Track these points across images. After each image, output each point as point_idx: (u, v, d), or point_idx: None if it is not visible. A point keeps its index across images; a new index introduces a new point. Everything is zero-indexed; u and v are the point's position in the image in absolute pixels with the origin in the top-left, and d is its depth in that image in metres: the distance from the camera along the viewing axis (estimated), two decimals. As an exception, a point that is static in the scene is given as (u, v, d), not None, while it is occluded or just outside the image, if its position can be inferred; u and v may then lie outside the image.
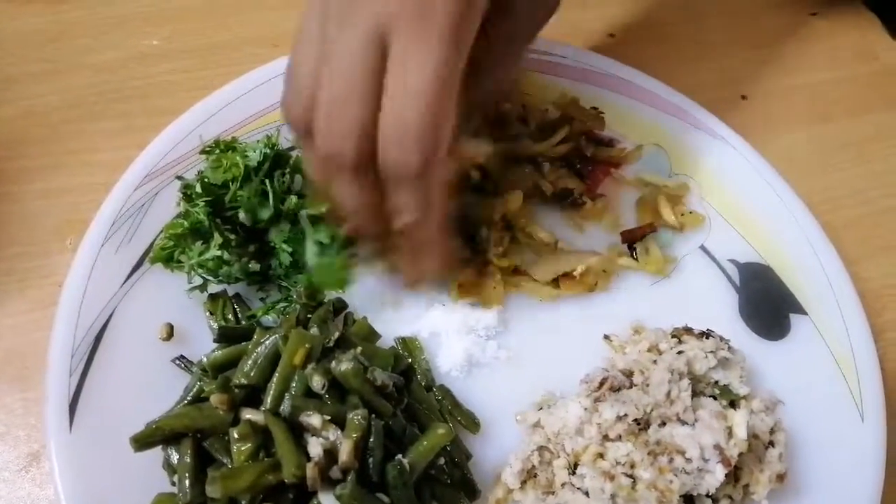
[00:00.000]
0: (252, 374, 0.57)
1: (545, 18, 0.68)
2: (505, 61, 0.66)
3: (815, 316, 0.71)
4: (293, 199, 0.67)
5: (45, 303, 0.69)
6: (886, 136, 0.89)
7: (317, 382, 0.56)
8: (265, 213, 0.66)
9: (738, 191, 0.76)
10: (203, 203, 0.64)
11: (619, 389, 0.63)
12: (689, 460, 0.59)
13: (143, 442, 0.55)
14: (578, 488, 0.60)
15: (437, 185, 0.54)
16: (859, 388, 0.67)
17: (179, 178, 0.69)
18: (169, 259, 0.66)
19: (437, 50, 0.49)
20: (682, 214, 0.75)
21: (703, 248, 0.75)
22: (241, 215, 0.65)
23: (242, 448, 0.54)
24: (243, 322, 0.65)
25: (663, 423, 0.62)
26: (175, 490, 0.55)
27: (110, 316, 0.64)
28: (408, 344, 0.66)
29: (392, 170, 0.52)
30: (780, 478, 0.61)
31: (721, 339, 0.67)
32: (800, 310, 0.71)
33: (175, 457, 0.56)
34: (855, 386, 0.67)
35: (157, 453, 0.57)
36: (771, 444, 0.62)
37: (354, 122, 0.51)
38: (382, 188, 0.54)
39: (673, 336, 0.68)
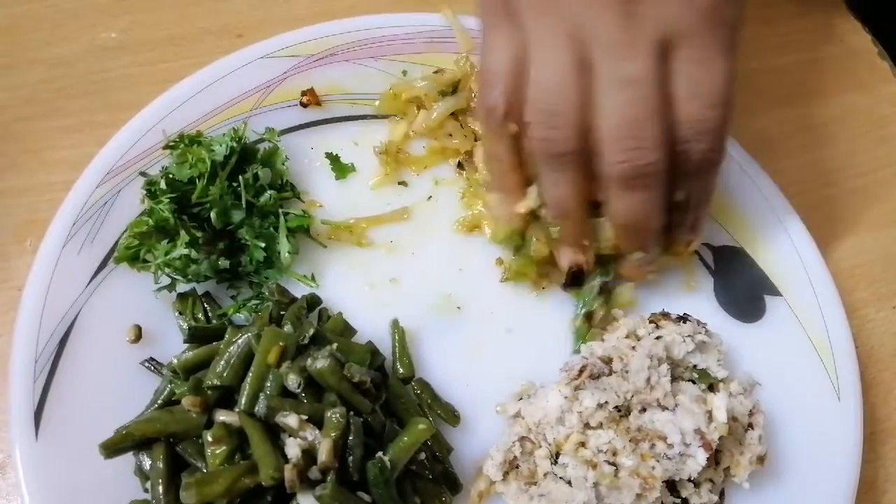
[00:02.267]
0: (225, 374, 0.56)
1: None
2: None
3: (790, 297, 0.71)
4: (268, 194, 0.65)
5: (4, 308, 0.66)
6: (852, 117, 0.90)
7: (292, 381, 0.55)
8: (237, 216, 0.64)
9: (711, 174, 0.77)
10: (168, 200, 0.63)
11: (598, 377, 0.63)
12: (670, 446, 0.59)
13: (113, 448, 0.53)
14: (561, 478, 0.59)
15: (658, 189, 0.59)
16: (835, 367, 0.67)
17: (143, 174, 0.67)
18: (134, 258, 0.64)
19: (727, 57, 0.57)
20: None
21: (677, 232, 0.75)
22: (213, 216, 0.63)
23: (217, 451, 0.52)
24: (214, 321, 0.64)
25: (644, 409, 0.62)
26: (148, 497, 0.54)
27: (74, 319, 0.62)
28: (398, 329, 0.65)
29: (695, 164, 0.58)
30: (761, 459, 0.61)
31: (698, 322, 0.67)
32: (774, 291, 0.72)
33: (147, 463, 0.54)
34: (830, 365, 0.68)
35: (128, 460, 0.55)
36: (750, 426, 0.63)
37: (574, 107, 0.55)
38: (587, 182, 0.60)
39: (650, 322, 0.68)
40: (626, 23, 0.53)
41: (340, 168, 0.73)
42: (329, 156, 0.73)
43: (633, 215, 0.61)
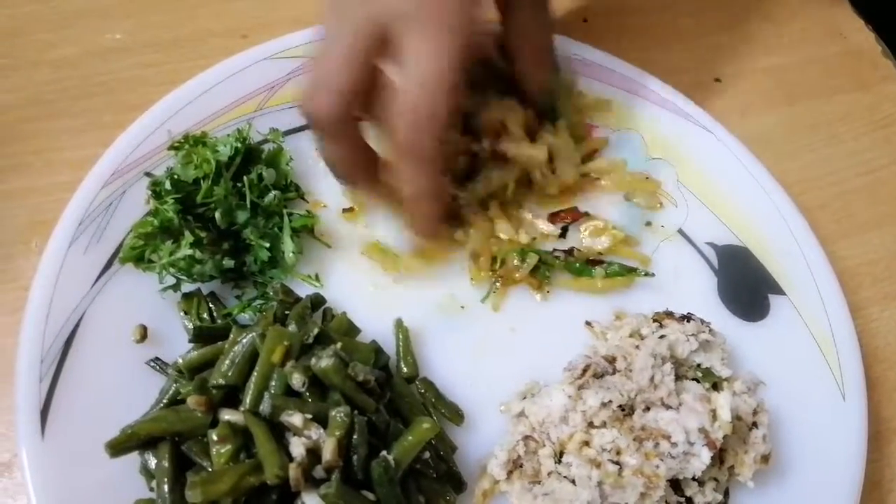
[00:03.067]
0: (230, 373, 0.56)
1: None
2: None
3: (794, 296, 0.71)
4: (272, 194, 0.66)
5: (10, 308, 0.66)
6: (856, 115, 0.90)
7: (297, 380, 0.55)
8: (242, 216, 0.65)
9: (715, 174, 0.77)
10: (173, 200, 0.63)
11: (602, 376, 0.63)
12: (674, 444, 0.59)
13: (118, 448, 0.54)
14: (565, 477, 0.59)
15: (436, 162, 0.61)
16: (839, 365, 0.67)
17: (148, 174, 0.67)
18: (140, 259, 0.64)
19: (442, 40, 0.56)
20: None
21: (681, 231, 0.75)
22: (217, 216, 0.63)
23: (222, 450, 0.52)
24: (219, 321, 0.64)
25: (647, 408, 0.61)
26: (154, 496, 0.54)
27: (80, 319, 0.62)
28: (402, 328, 0.65)
29: (403, 149, 0.59)
30: (765, 458, 0.61)
31: (702, 321, 0.67)
32: (778, 290, 0.72)
33: (153, 462, 0.54)
34: (835, 364, 0.67)
35: (133, 459, 0.55)
36: (754, 425, 0.63)
37: (341, 86, 0.58)
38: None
39: (654, 321, 0.68)
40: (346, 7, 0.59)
41: None
42: None
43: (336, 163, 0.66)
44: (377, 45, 0.57)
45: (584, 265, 0.71)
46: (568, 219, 0.74)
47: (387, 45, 0.57)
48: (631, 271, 0.71)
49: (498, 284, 0.70)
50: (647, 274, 0.71)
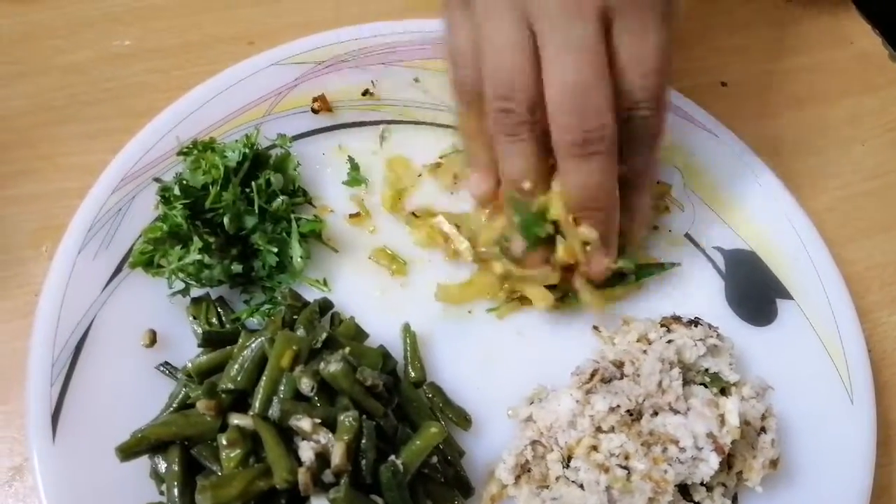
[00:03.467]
0: (239, 378, 0.56)
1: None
2: None
3: (802, 300, 0.71)
4: (280, 199, 0.66)
5: (21, 312, 0.67)
6: (863, 119, 0.90)
7: (305, 385, 0.55)
8: (250, 222, 0.65)
9: (721, 178, 0.77)
10: (181, 206, 0.63)
11: (610, 380, 0.63)
12: (682, 449, 0.59)
13: (129, 452, 0.54)
14: (573, 482, 0.59)
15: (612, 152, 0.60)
16: (847, 370, 0.67)
17: (157, 180, 0.67)
18: (149, 263, 0.64)
19: (661, 28, 0.57)
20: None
21: (688, 236, 0.75)
22: (226, 221, 0.63)
23: (232, 454, 0.53)
24: (228, 326, 0.64)
25: (655, 413, 0.61)
26: (164, 500, 0.54)
27: (90, 324, 0.62)
28: (410, 333, 0.66)
29: (637, 134, 0.60)
30: (774, 463, 0.61)
31: (709, 326, 0.67)
32: (786, 295, 0.72)
33: (163, 466, 0.55)
34: (843, 368, 0.67)
35: (143, 463, 0.56)
36: (763, 429, 0.63)
37: (528, 78, 0.57)
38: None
39: (662, 325, 0.68)
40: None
41: (355, 177, 0.73)
42: (350, 160, 0.74)
43: (587, 185, 0.60)
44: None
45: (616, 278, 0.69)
46: None
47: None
48: (659, 266, 0.71)
49: (515, 298, 0.69)
50: (674, 265, 0.72)
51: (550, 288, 0.67)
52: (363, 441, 0.54)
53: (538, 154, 0.61)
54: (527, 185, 0.62)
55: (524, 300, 0.69)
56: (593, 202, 0.61)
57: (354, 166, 0.74)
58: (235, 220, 0.65)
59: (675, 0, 0.60)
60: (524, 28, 0.57)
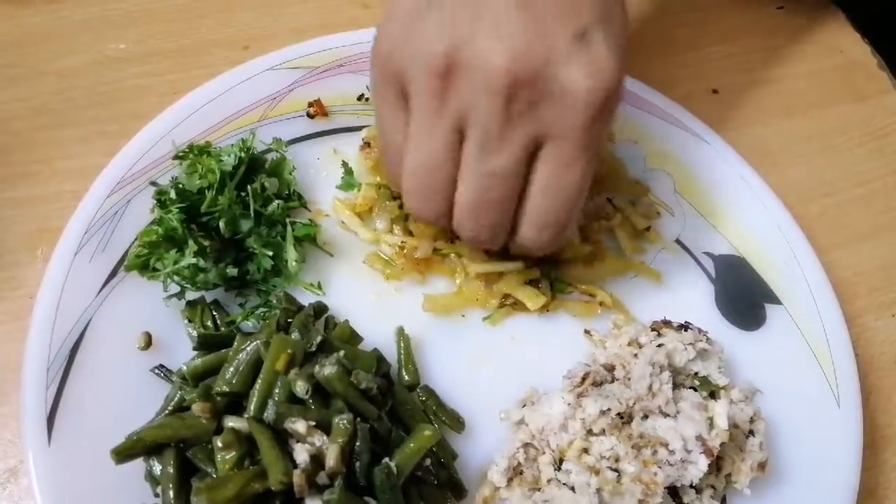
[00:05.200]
0: (234, 381, 0.57)
1: None
2: None
3: (790, 305, 0.72)
4: (276, 204, 0.66)
5: (16, 315, 0.67)
6: (852, 127, 0.91)
7: (300, 388, 0.55)
8: (245, 225, 0.65)
9: (712, 184, 0.78)
10: (177, 209, 0.64)
11: (601, 384, 0.64)
12: (672, 452, 0.60)
13: (124, 454, 0.54)
14: (564, 484, 0.60)
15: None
16: (835, 374, 0.68)
17: (153, 183, 0.68)
18: (144, 267, 0.65)
19: (584, 154, 0.56)
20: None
21: (678, 241, 0.76)
22: (221, 225, 0.64)
23: (227, 457, 0.53)
24: (223, 329, 0.65)
25: (646, 416, 0.62)
26: (159, 502, 0.55)
27: (86, 326, 0.62)
28: (404, 336, 0.66)
29: (524, 247, 0.62)
30: (762, 466, 0.62)
31: (699, 330, 0.68)
32: (774, 300, 0.72)
33: (158, 468, 0.55)
34: (830, 372, 0.68)
35: (139, 465, 0.56)
36: (751, 433, 0.63)
37: (440, 192, 0.59)
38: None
39: (652, 329, 0.68)
40: (505, 118, 0.54)
41: (349, 182, 0.74)
42: (345, 165, 0.74)
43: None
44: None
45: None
46: None
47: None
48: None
49: (509, 304, 0.70)
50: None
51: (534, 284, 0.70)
52: (357, 443, 0.54)
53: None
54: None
55: (517, 305, 0.70)
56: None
57: (348, 171, 0.74)
58: (231, 224, 0.65)
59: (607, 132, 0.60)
60: (453, 135, 0.56)
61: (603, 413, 0.61)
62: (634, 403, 0.62)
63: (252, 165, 0.69)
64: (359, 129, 0.77)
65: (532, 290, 0.70)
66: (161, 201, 0.65)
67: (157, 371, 0.62)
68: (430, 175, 0.58)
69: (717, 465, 0.62)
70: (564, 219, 0.59)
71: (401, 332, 0.67)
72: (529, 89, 0.53)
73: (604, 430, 0.61)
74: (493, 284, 0.70)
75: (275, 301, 0.66)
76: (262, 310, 0.66)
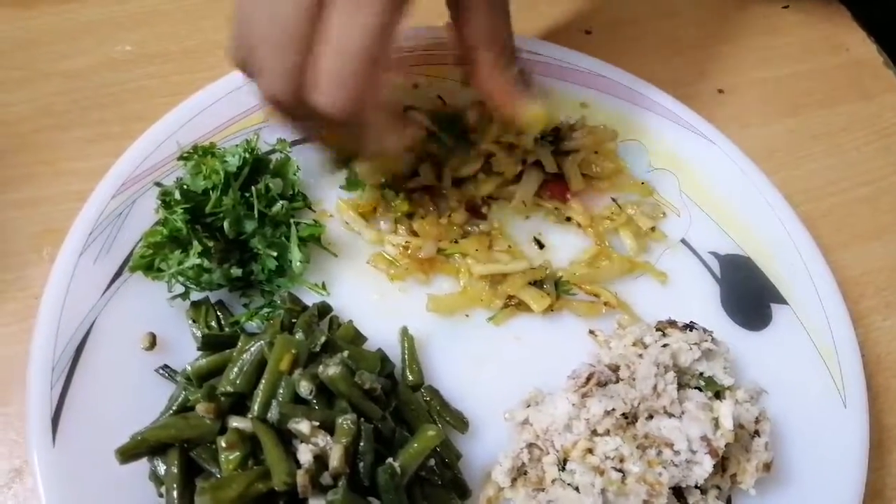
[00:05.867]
0: (238, 381, 0.57)
1: None
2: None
3: (796, 305, 0.71)
4: (280, 204, 0.66)
5: (22, 315, 0.67)
6: (858, 126, 0.90)
7: (304, 388, 0.55)
8: (249, 226, 0.65)
9: (717, 183, 0.77)
10: (181, 210, 0.64)
11: (605, 384, 0.63)
12: (677, 452, 0.59)
13: (128, 454, 0.54)
14: (569, 484, 0.60)
15: (373, 125, 0.60)
16: (841, 374, 0.68)
17: (158, 184, 0.68)
18: (149, 267, 0.65)
19: (368, 5, 0.52)
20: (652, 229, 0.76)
21: (683, 241, 0.75)
22: (225, 226, 0.64)
23: (231, 457, 0.53)
24: (227, 329, 0.65)
25: (650, 417, 0.62)
26: (163, 502, 0.55)
27: (91, 327, 0.63)
28: (408, 336, 0.66)
29: (322, 112, 0.55)
30: (767, 466, 0.62)
31: (704, 330, 0.68)
32: (780, 300, 0.72)
33: (162, 468, 0.55)
34: (837, 373, 0.68)
35: (143, 465, 0.56)
36: (756, 433, 0.63)
37: (287, 67, 0.54)
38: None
39: (657, 329, 0.68)
40: None
41: (353, 182, 0.74)
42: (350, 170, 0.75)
43: (295, 128, 0.64)
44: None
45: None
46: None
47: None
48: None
49: (513, 305, 0.70)
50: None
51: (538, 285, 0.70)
52: (361, 444, 0.54)
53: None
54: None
55: (521, 305, 0.70)
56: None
57: (352, 171, 0.74)
58: (235, 225, 0.65)
59: None
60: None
61: (607, 413, 0.61)
62: (639, 404, 0.62)
63: (256, 166, 0.69)
64: (363, 129, 0.77)
65: (537, 291, 0.69)
66: (166, 202, 0.65)
67: (161, 371, 0.62)
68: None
69: (722, 465, 0.62)
70: (339, 80, 0.54)
71: (405, 333, 0.66)
72: None
73: (608, 431, 0.61)
74: (498, 285, 0.70)
75: (279, 301, 0.66)
76: (266, 310, 0.66)
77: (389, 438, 0.57)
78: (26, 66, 0.82)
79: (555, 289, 0.71)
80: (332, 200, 0.74)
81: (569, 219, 0.75)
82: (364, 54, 0.53)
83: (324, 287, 0.69)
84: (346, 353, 0.58)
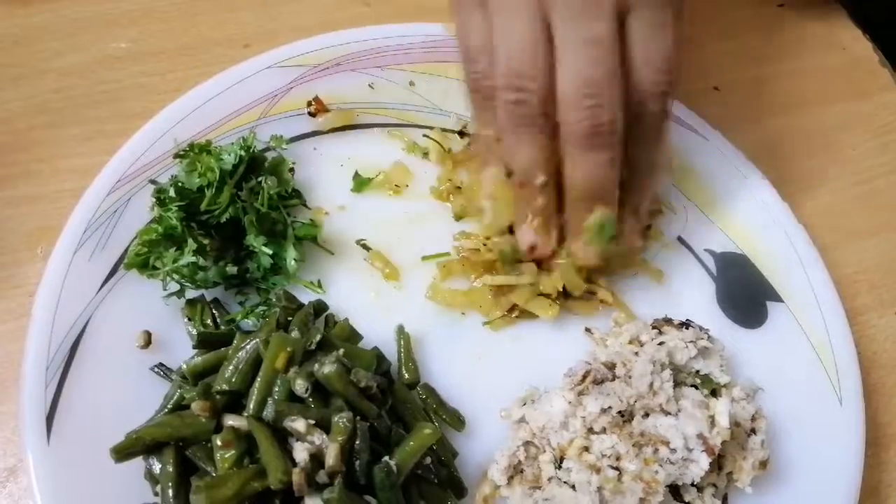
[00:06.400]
0: (233, 379, 0.57)
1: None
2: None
3: (792, 303, 0.72)
4: (275, 202, 0.66)
5: (16, 313, 0.67)
6: (854, 124, 0.90)
7: (300, 386, 0.55)
8: (245, 224, 0.65)
9: (713, 182, 0.77)
10: (176, 208, 0.63)
11: (602, 382, 0.63)
12: (673, 450, 0.59)
13: (123, 453, 0.54)
14: (565, 482, 0.60)
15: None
16: (836, 372, 0.68)
17: (153, 182, 0.68)
18: (144, 265, 0.65)
19: (676, 24, 0.57)
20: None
21: (680, 239, 0.75)
22: (221, 223, 0.64)
23: (226, 455, 0.53)
24: (222, 327, 0.65)
25: (647, 415, 0.62)
26: (158, 501, 0.55)
27: (86, 325, 0.62)
28: (404, 334, 0.66)
29: (645, 129, 0.61)
30: (763, 464, 0.62)
31: (700, 328, 0.68)
32: (776, 297, 0.72)
33: (157, 467, 0.55)
34: (832, 370, 0.68)
35: (138, 464, 0.56)
36: (753, 431, 0.63)
37: (540, 70, 0.57)
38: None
39: (653, 327, 0.68)
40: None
41: (360, 181, 0.74)
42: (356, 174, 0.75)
43: (592, 177, 0.61)
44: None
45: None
46: None
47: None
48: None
49: (514, 316, 0.70)
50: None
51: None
52: (357, 442, 0.54)
53: (548, 147, 0.61)
54: (539, 179, 0.62)
55: (524, 314, 0.69)
56: (596, 193, 0.62)
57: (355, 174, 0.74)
58: (230, 223, 0.65)
59: None
60: (538, 21, 0.57)
61: (604, 411, 0.61)
62: (635, 401, 0.62)
63: (252, 164, 0.69)
64: (359, 126, 0.76)
65: (545, 300, 0.69)
66: (161, 200, 0.65)
67: (156, 369, 0.62)
68: (525, 55, 0.57)
69: (718, 463, 0.62)
70: (674, 68, 0.59)
71: (401, 331, 0.66)
72: None
73: (604, 429, 0.61)
74: (503, 296, 0.69)
75: (274, 299, 0.65)
76: (261, 308, 0.66)
77: (385, 436, 0.57)
78: (21, 63, 0.82)
79: (563, 295, 0.70)
80: (328, 198, 0.73)
81: None
82: (678, 57, 0.59)
83: (319, 285, 0.69)
84: (341, 352, 0.58)
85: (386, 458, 0.55)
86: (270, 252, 0.66)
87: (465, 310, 0.70)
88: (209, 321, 0.65)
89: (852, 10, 0.99)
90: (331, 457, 0.52)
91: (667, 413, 0.62)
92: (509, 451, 0.62)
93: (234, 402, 0.57)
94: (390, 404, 0.60)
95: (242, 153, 0.67)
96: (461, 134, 0.77)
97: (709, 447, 0.59)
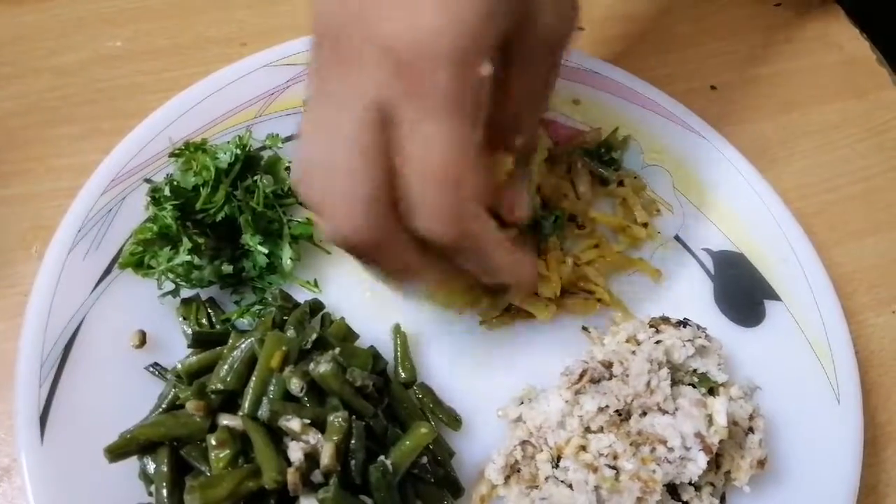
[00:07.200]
0: (228, 378, 0.56)
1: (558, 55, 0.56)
2: (531, 109, 0.58)
3: (789, 301, 0.71)
4: (271, 201, 0.66)
5: (10, 313, 0.67)
6: (851, 123, 0.90)
7: (295, 385, 0.55)
8: (241, 223, 0.65)
9: (711, 180, 0.77)
10: (171, 207, 0.63)
11: (599, 381, 0.63)
12: (670, 449, 0.59)
13: (117, 452, 0.54)
14: (562, 481, 0.60)
15: (487, 239, 0.51)
16: (834, 370, 0.68)
17: (148, 181, 0.67)
18: (139, 264, 0.64)
19: (444, 123, 0.46)
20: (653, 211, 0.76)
21: (677, 237, 0.75)
22: (216, 223, 0.64)
23: (221, 455, 0.53)
24: (218, 326, 0.64)
25: (644, 413, 0.62)
26: (153, 500, 0.54)
27: (80, 324, 0.62)
28: (400, 334, 0.66)
29: (437, 242, 0.49)
30: (761, 463, 0.62)
31: (698, 327, 0.68)
32: (774, 296, 0.72)
33: (151, 466, 0.55)
34: (830, 369, 0.68)
35: (132, 464, 0.56)
36: (750, 430, 0.63)
37: (364, 203, 0.47)
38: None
39: (651, 326, 0.68)
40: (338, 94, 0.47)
41: None
42: None
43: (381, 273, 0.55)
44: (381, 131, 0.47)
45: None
46: None
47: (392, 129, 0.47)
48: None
49: (510, 315, 0.70)
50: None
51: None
52: (353, 441, 0.54)
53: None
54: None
55: (521, 313, 0.69)
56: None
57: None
58: (226, 222, 0.65)
59: (470, 80, 0.46)
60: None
61: (601, 410, 0.61)
62: (633, 400, 0.61)
63: (248, 163, 0.68)
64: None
65: (541, 301, 0.69)
66: (155, 199, 0.65)
67: (151, 369, 0.62)
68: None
69: (716, 462, 0.61)
70: (444, 209, 0.47)
71: (397, 330, 0.66)
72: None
73: (602, 428, 0.60)
74: (499, 296, 0.69)
75: (270, 298, 0.65)
76: (257, 307, 0.66)
77: (381, 436, 0.57)
78: (16, 62, 0.82)
79: (560, 294, 0.69)
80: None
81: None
82: (457, 168, 0.46)
83: (316, 284, 0.69)
84: (337, 351, 0.58)
85: (382, 457, 0.55)
86: (266, 251, 0.66)
87: (461, 309, 0.69)
88: (204, 321, 0.64)
89: (850, 9, 0.99)
90: (326, 456, 0.52)
91: (664, 412, 0.61)
92: (506, 450, 0.62)
93: (229, 401, 0.57)
94: (386, 403, 0.60)
95: (238, 152, 0.67)
96: None
97: (706, 446, 0.59)
